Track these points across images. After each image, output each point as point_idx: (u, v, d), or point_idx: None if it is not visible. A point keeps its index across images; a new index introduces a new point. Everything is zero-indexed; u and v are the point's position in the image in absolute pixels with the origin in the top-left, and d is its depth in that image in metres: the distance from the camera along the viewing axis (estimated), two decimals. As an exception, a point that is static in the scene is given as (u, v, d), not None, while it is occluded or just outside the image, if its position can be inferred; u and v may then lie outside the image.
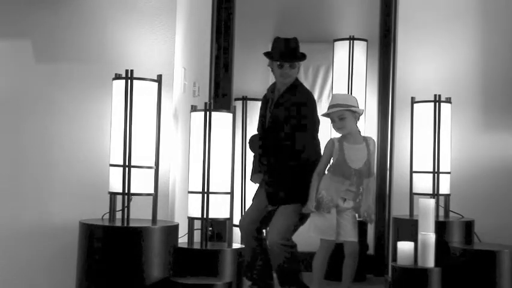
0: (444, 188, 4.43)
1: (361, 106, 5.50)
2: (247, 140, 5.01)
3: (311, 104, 4.46)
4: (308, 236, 4.32)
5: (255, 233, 4.50)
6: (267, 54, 4.54)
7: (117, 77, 3.89)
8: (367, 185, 4.24)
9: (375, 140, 5.49)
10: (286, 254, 4.31)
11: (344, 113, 4.22)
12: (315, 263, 4.26)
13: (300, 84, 4.54)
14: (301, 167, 4.34)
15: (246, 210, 4.84)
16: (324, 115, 4.35)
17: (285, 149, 4.36)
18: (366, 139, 4.32)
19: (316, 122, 4.49)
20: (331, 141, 4.26)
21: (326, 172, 4.27)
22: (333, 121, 4.28)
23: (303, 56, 4.51)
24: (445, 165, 4.44)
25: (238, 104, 5.71)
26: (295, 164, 4.34)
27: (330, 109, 4.27)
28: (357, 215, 4.27)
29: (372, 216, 4.28)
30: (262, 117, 4.62)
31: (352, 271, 4.25)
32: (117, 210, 3.87)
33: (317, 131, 4.49)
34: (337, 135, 4.33)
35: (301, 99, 4.43)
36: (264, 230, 4.60)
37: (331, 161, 4.26)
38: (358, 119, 4.32)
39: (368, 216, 4.25)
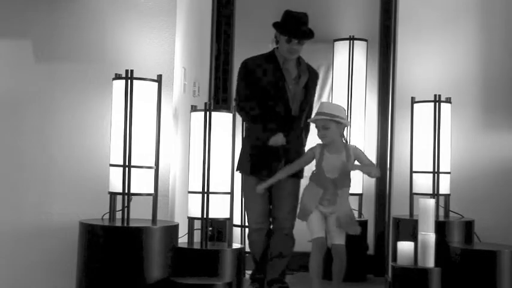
0: (444, 188, 4.43)
1: (361, 106, 5.55)
2: (233, 99, 4.48)
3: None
4: (303, 237, 4.28)
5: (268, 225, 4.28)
6: (277, 26, 4.28)
7: (117, 77, 3.89)
8: (342, 194, 4.19)
9: (375, 140, 5.56)
10: (293, 240, 4.23)
11: (328, 123, 4.17)
12: (311, 265, 4.24)
13: (302, 58, 4.40)
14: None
15: (250, 212, 4.30)
16: (310, 121, 4.31)
17: (302, 121, 4.33)
18: (346, 148, 4.25)
19: None
20: (313, 149, 4.19)
21: (309, 181, 4.18)
22: (317, 129, 4.26)
23: (311, 33, 4.30)
24: (445, 165, 4.44)
25: (238, 104, 5.70)
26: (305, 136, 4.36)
27: (315, 116, 4.25)
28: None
29: (350, 225, 4.16)
30: (269, 85, 4.22)
31: (340, 271, 4.23)
32: (117, 210, 3.88)
33: None
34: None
35: (315, 72, 4.45)
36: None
37: (314, 168, 4.19)
38: (343, 130, 4.26)
39: (345, 224, 4.14)
